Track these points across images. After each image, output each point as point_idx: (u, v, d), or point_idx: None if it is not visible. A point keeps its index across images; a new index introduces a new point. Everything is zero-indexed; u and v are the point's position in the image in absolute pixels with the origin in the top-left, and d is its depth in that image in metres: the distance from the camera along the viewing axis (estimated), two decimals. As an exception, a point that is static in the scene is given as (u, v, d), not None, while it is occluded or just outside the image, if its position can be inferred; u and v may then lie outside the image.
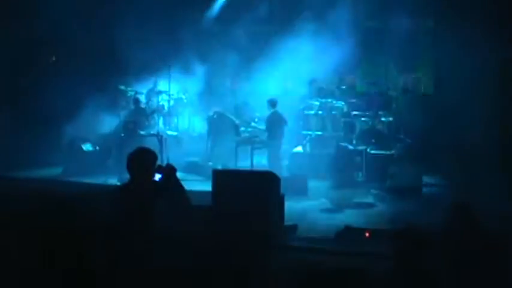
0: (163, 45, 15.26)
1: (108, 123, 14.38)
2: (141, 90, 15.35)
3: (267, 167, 12.64)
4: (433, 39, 15.09)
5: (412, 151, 13.05)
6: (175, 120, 15.75)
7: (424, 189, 11.96)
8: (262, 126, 13.46)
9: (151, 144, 13.37)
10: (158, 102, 15.46)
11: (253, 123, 13.82)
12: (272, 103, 13.28)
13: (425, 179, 12.30)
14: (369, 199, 11.65)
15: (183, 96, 15.89)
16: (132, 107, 14.53)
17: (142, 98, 15.14)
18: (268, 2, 16.46)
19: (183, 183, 5.59)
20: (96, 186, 10.19)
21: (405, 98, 14.57)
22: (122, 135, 13.40)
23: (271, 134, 13.16)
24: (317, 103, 14.27)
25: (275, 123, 13.15)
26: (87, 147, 14.11)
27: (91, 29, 15.15)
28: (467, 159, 12.51)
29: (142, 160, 5.49)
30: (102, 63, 15.51)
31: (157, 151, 13.00)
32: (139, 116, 14.17)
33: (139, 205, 5.31)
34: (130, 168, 5.46)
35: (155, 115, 14.65)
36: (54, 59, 16.48)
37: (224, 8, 16.53)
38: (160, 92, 15.48)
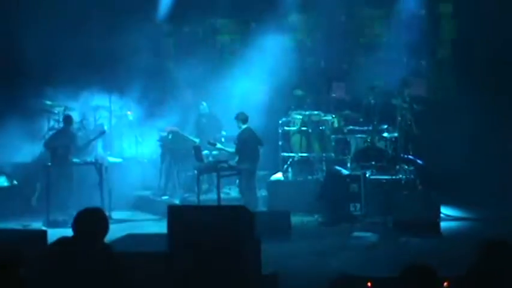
0: (100, 45, 15.19)
1: (29, 149, 14.19)
2: (72, 105, 15.19)
3: (238, 200, 12.65)
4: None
5: (426, 175, 13.09)
6: (119, 143, 15.67)
7: (443, 224, 11.93)
8: (231, 148, 13.44)
9: (89, 174, 13.33)
10: (96, 120, 15.33)
11: (219, 145, 13.77)
12: (242, 118, 13.25)
13: (444, 210, 12.31)
14: (370, 238, 11.64)
15: (129, 113, 15.82)
16: (62, 126, 14.32)
17: (74, 116, 14.99)
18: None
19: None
20: (12, 232, 9.88)
21: (414, 107, 14.62)
22: (49, 164, 13.24)
23: (242, 158, 13.11)
24: (300, 117, 14.29)
25: (247, 143, 13.10)
26: (0, 181, 13.93)
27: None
28: (498, 185, 12.59)
29: (90, 225, 5.53)
30: (14, 71, 15.26)
31: (96, 183, 12.97)
32: (72, 138, 13.94)
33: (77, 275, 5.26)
34: (74, 230, 5.54)
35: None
36: None
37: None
38: (98, 108, 15.33)
